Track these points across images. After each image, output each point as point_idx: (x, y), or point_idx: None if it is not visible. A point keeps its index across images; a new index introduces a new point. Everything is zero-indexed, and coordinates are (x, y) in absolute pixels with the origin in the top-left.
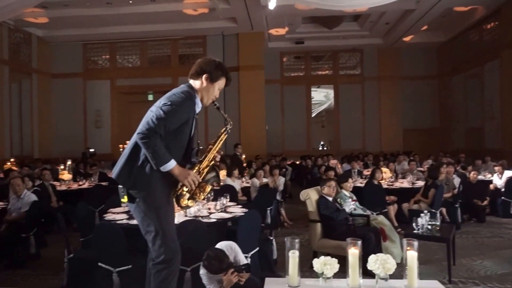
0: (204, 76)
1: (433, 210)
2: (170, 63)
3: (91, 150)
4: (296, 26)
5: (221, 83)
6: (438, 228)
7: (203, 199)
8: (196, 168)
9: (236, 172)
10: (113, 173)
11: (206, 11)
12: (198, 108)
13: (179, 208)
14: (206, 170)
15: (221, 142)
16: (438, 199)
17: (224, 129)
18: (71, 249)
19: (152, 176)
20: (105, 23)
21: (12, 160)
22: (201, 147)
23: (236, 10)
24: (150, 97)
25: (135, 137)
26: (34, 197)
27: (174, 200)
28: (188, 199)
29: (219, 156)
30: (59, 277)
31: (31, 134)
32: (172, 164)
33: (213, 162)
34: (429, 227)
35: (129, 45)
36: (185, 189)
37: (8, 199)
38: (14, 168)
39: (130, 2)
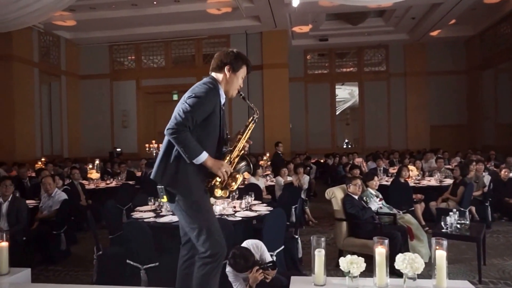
0: (226, 68)
1: (462, 209)
2: (194, 63)
3: (118, 149)
4: (320, 23)
5: (243, 72)
6: (467, 227)
7: (235, 189)
8: (227, 158)
9: (260, 171)
10: (156, 177)
11: (230, 10)
12: (223, 99)
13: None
14: (236, 159)
15: (250, 131)
16: (467, 197)
17: (251, 118)
18: (100, 246)
19: (187, 171)
20: (130, 25)
21: (43, 159)
22: (228, 136)
23: (260, 9)
24: (175, 97)
25: (165, 133)
26: (64, 196)
27: (209, 192)
28: (222, 189)
29: (247, 146)
30: (89, 273)
31: (60, 134)
32: (204, 156)
33: (243, 152)
34: (458, 226)
35: (154, 45)
36: (218, 179)
37: (40, 197)
38: (44, 167)
39: (155, 3)
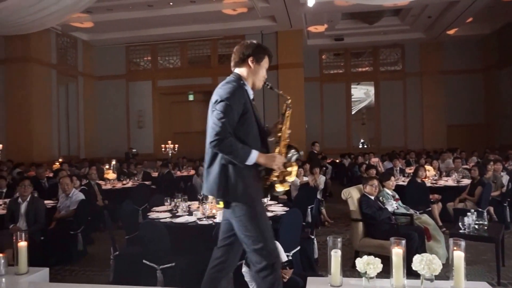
0: (249, 59)
1: (480, 209)
2: (209, 63)
3: (134, 150)
4: (335, 23)
5: (266, 62)
6: (485, 227)
7: (293, 179)
8: (277, 150)
9: None
10: (204, 189)
11: (245, 10)
12: (251, 94)
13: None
14: (284, 150)
15: (289, 118)
16: (485, 197)
17: (285, 106)
18: (117, 246)
19: (243, 178)
20: (146, 25)
21: (60, 160)
22: (267, 125)
23: (275, 9)
24: (191, 97)
25: (209, 147)
26: (81, 196)
27: (270, 189)
28: (281, 183)
29: (289, 131)
30: (105, 273)
31: (77, 135)
32: (255, 154)
33: (288, 140)
34: (476, 226)
35: (170, 46)
36: (275, 173)
37: (58, 197)
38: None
39: (171, 4)
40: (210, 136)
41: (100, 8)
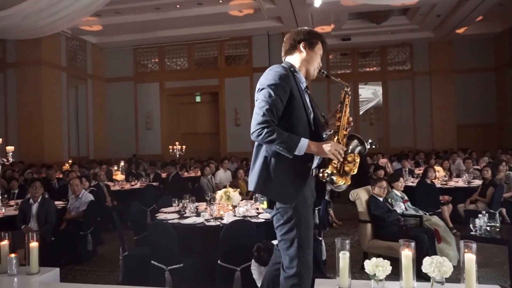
0: (301, 45)
1: (492, 211)
2: (216, 65)
3: (134, 154)
4: (342, 23)
5: (319, 48)
6: (497, 229)
7: (355, 172)
8: (335, 139)
9: None
10: (250, 186)
11: (252, 12)
12: (303, 83)
13: (229, 208)
14: (345, 140)
15: (347, 107)
16: (497, 198)
17: (343, 93)
18: (126, 247)
19: (283, 175)
20: (154, 28)
21: (69, 161)
22: (327, 116)
23: (281, 9)
24: (198, 99)
25: (252, 138)
26: (91, 197)
27: (328, 183)
28: (341, 176)
29: (351, 123)
30: (114, 273)
31: (86, 136)
32: (305, 143)
33: (349, 130)
34: (488, 228)
35: (177, 48)
36: (334, 164)
37: (68, 198)
38: (71, 169)
39: (178, 6)
40: (252, 126)
41: (108, 12)
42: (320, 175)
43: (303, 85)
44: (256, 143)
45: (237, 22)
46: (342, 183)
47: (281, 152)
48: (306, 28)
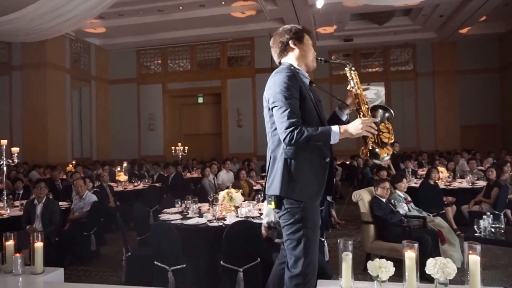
0: (290, 43)
1: (497, 212)
2: (219, 66)
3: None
4: (344, 24)
5: (307, 39)
6: (502, 231)
7: (393, 140)
8: (361, 115)
9: None
10: (271, 191)
11: (254, 13)
12: (307, 78)
13: (232, 209)
14: (369, 113)
15: (357, 80)
16: (502, 200)
17: (347, 69)
18: (129, 247)
19: (301, 175)
20: (157, 30)
21: (73, 162)
22: (339, 102)
23: (284, 11)
24: (200, 100)
25: (285, 146)
26: (94, 198)
27: (372, 159)
28: (381, 147)
29: (365, 93)
30: (118, 273)
31: (90, 138)
32: (336, 129)
33: (369, 103)
34: (493, 230)
35: (180, 49)
36: (370, 140)
37: (72, 199)
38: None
39: (180, 8)
40: (281, 134)
41: (112, 14)
42: (362, 154)
43: (307, 80)
44: (270, 147)
45: (239, 23)
46: (385, 154)
47: (321, 144)
48: (286, 26)
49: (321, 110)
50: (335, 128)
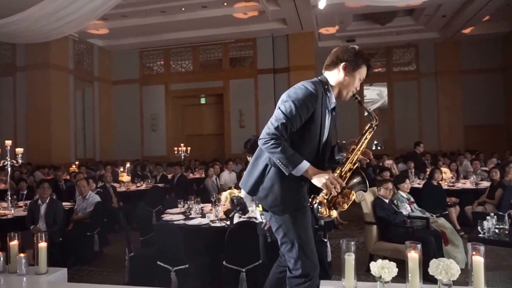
0: (341, 65)
1: (500, 213)
2: (221, 67)
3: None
4: (346, 24)
5: (362, 72)
6: (506, 232)
7: (345, 208)
8: (338, 171)
9: None
10: (242, 185)
11: (256, 14)
12: (332, 103)
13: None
14: (348, 174)
15: (366, 141)
16: (506, 200)
17: (368, 125)
18: (132, 247)
19: (283, 184)
20: (159, 31)
21: (76, 163)
22: (344, 141)
23: (286, 11)
24: (203, 100)
25: (259, 143)
26: (97, 198)
27: (313, 211)
28: (329, 208)
29: (365, 159)
30: (121, 273)
31: (93, 138)
32: (305, 166)
33: (357, 165)
34: (497, 231)
35: (182, 50)
36: (323, 195)
37: (75, 199)
38: (78, 170)
39: (183, 9)
40: (263, 132)
41: (115, 15)
42: (310, 200)
43: (332, 105)
44: (258, 150)
45: (242, 24)
46: (325, 215)
47: (279, 166)
48: (356, 48)
49: (329, 140)
50: (305, 163)
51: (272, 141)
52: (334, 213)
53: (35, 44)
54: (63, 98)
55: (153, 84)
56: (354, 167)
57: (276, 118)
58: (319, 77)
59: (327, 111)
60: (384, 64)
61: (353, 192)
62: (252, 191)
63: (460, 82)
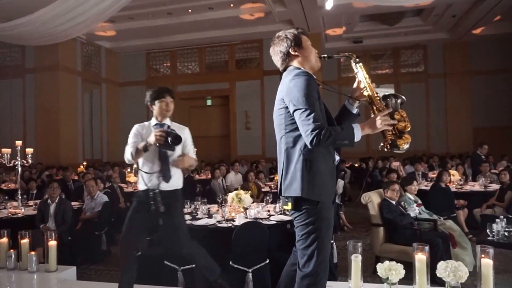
0: (291, 51)
1: (510, 216)
2: (227, 68)
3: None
4: (354, 25)
5: (305, 39)
6: None
7: (410, 127)
8: (375, 109)
9: None
10: (288, 192)
11: (263, 15)
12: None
13: (241, 210)
14: (382, 103)
15: (364, 72)
16: None
17: (352, 61)
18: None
19: (319, 176)
20: (166, 33)
21: (84, 163)
22: (348, 95)
23: (293, 13)
24: (209, 102)
25: (311, 147)
26: (105, 198)
27: (394, 150)
28: (401, 138)
29: (373, 84)
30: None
31: (100, 139)
32: (357, 128)
33: (379, 94)
34: (506, 233)
35: (189, 52)
36: (388, 133)
37: (83, 199)
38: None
39: (190, 11)
40: (306, 136)
41: (122, 17)
42: (382, 145)
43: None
44: (283, 149)
45: (248, 25)
46: (405, 143)
47: (343, 145)
48: (280, 34)
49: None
50: (357, 126)
51: (322, 133)
52: (408, 137)
53: (43, 46)
54: (71, 99)
55: (160, 85)
56: (380, 95)
57: (305, 115)
58: (292, 69)
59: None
60: (392, 65)
61: (399, 111)
62: (306, 192)
63: (469, 83)
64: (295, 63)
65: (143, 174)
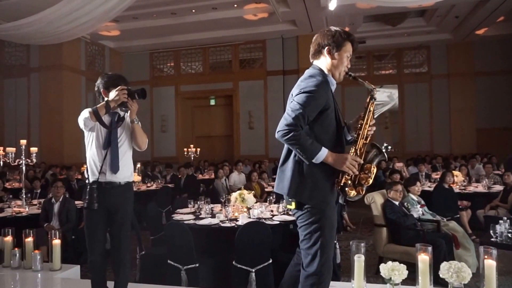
0: (325, 50)
1: None
2: (231, 68)
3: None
4: (357, 26)
5: (347, 49)
6: None
7: (370, 183)
8: (352, 150)
9: None
10: (278, 189)
11: (266, 15)
12: (333, 86)
13: (244, 210)
14: (364, 149)
15: (371, 113)
16: None
17: (369, 97)
18: (143, 246)
19: (311, 179)
20: (170, 33)
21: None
22: (350, 121)
23: (296, 13)
24: (212, 102)
25: (276, 136)
26: None
27: (340, 193)
28: (355, 187)
29: (372, 131)
30: (132, 272)
31: None
32: (324, 153)
33: (369, 139)
34: (509, 235)
35: (192, 52)
36: (347, 177)
37: None
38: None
39: (193, 11)
40: (280, 124)
41: (126, 17)
42: (335, 184)
43: (334, 87)
44: (286, 148)
45: (252, 26)
46: (353, 194)
47: (299, 156)
48: (332, 29)
49: (340, 120)
50: (324, 151)
51: (292, 132)
52: (362, 190)
53: (48, 46)
54: (75, 99)
55: (163, 85)
56: (367, 142)
57: (292, 109)
58: (312, 68)
59: (333, 94)
60: (395, 65)
61: (373, 165)
62: (294, 193)
63: (472, 84)
64: (321, 62)
65: (91, 163)
